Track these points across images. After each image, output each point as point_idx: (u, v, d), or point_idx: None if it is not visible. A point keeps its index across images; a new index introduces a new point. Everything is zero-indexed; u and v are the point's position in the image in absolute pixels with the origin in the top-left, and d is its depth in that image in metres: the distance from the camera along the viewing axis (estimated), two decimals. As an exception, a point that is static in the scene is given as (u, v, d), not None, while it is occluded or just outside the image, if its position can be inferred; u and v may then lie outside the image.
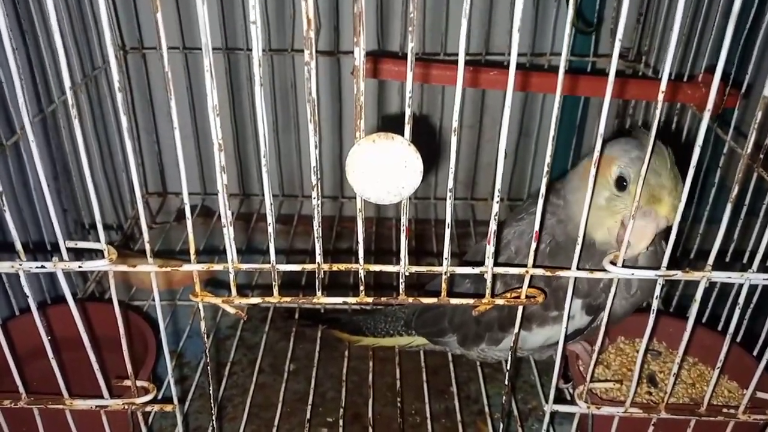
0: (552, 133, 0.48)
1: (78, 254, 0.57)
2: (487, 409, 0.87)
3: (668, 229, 0.57)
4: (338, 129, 1.20)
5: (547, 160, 0.49)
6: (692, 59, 0.98)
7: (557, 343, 0.73)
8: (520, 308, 0.56)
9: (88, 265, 0.54)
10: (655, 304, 0.55)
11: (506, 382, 0.62)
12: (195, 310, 0.99)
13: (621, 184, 0.64)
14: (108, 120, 1.12)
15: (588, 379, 0.62)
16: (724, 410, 0.62)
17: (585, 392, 0.62)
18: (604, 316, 0.57)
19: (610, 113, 0.50)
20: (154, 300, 0.57)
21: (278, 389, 0.89)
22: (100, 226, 0.52)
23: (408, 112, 0.45)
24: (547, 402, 0.86)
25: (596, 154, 0.49)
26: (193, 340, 0.98)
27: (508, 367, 0.60)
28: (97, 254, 0.54)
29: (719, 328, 0.81)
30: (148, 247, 0.54)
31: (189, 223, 0.52)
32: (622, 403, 0.61)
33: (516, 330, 0.58)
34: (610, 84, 0.46)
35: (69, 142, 0.99)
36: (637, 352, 0.82)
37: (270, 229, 0.51)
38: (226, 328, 1.03)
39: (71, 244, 0.55)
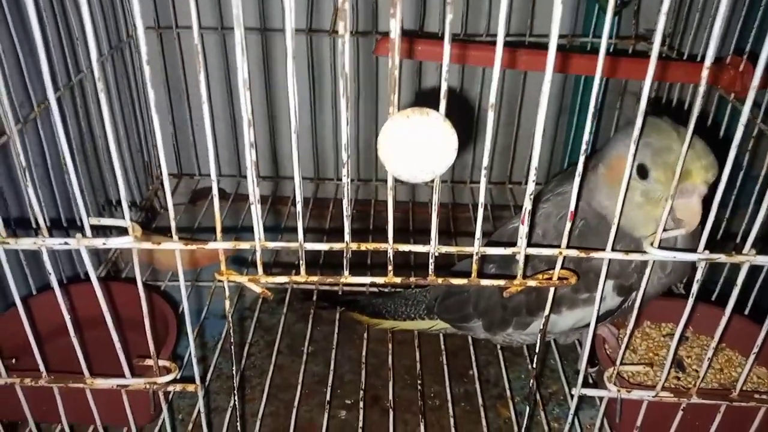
0: (591, 110, 0.46)
1: (96, 234, 0.56)
2: (507, 392, 0.86)
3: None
4: (355, 111, 1.19)
5: (585, 137, 0.48)
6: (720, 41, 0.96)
7: (585, 326, 0.73)
8: (551, 290, 0.55)
9: (113, 242, 0.52)
10: (695, 288, 0.54)
11: (533, 366, 0.61)
12: (213, 291, 0.98)
13: (642, 173, 0.63)
14: (124, 100, 1.11)
15: (618, 362, 0.61)
16: (756, 396, 0.61)
17: (614, 375, 0.61)
18: (638, 299, 0.56)
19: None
20: (172, 280, 0.56)
21: (297, 371, 0.88)
22: (125, 203, 0.51)
23: (444, 86, 0.44)
24: (569, 386, 0.86)
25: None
26: (210, 320, 0.98)
27: (537, 351, 0.59)
28: (112, 232, 0.53)
29: (745, 312, 0.80)
30: (173, 224, 0.53)
31: (216, 200, 0.51)
32: (652, 387, 0.60)
33: (546, 313, 0.56)
34: (652, 66, 0.45)
35: (85, 121, 0.98)
36: (663, 336, 0.80)
37: (298, 207, 0.51)
38: (243, 309, 1.03)
39: (95, 221, 0.54)
